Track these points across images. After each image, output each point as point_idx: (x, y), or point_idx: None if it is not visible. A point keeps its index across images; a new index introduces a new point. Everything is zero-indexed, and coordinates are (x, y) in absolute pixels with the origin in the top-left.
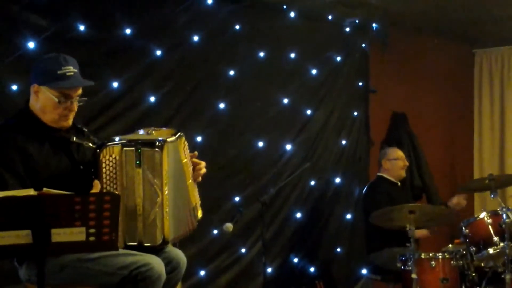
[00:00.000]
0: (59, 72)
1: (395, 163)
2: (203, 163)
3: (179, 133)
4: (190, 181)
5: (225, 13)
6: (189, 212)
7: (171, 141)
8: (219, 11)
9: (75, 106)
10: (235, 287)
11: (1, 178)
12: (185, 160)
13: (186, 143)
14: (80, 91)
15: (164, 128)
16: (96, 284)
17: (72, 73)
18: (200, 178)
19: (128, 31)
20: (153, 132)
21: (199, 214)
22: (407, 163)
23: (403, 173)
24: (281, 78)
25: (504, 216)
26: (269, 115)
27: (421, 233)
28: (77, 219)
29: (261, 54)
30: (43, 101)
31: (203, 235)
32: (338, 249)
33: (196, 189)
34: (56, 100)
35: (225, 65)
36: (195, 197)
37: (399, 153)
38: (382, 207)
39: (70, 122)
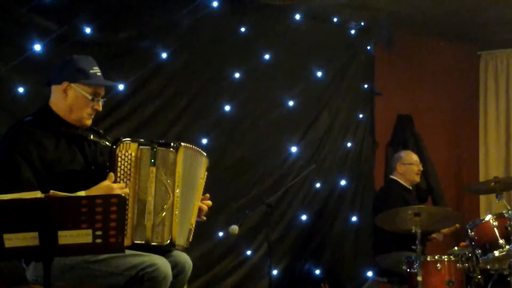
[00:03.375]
0: (91, 71)
1: (409, 168)
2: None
3: (205, 154)
4: (197, 203)
5: (230, 15)
6: (188, 231)
7: (186, 146)
8: (224, 14)
9: (101, 106)
10: None
11: (17, 169)
12: (202, 180)
13: (206, 172)
14: (103, 92)
15: None
16: (102, 285)
17: (100, 73)
18: (204, 217)
19: (133, 33)
20: None
21: (188, 241)
22: (421, 168)
23: (417, 178)
24: (287, 80)
25: (510, 218)
26: (274, 117)
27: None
28: (83, 222)
29: (267, 56)
30: (73, 98)
31: (209, 237)
32: (344, 251)
33: (196, 216)
34: (90, 97)
35: (230, 67)
36: (194, 221)
37: (414, 158)
38: None
39: (90, 121)
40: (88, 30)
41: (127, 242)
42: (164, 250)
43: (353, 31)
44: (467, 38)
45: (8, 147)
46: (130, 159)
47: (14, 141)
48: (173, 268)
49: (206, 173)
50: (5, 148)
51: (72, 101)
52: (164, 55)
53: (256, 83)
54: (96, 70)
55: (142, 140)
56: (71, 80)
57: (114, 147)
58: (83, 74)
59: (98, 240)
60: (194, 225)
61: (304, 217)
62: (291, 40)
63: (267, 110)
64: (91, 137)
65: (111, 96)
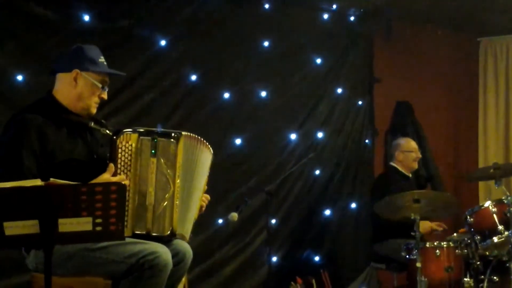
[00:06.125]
0: (99, 60)
1: (408, 155)
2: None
3: (212, 151)
4: (200, 200)
5: (228, 3)
6: (191, 226)
7: (188, 136)
8: (223, 1)
9: (106, 95)
10: (240, 276)
11: (19, 157)
12: (206, 177)
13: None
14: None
15: None
16: (103, 273)
17: (105, 63)
18: (203, 209)
19: (132, 22)
20: None
21: (190, 236)
22: (419, 155)
23: (415, 165)
24: (286, 67)
25: (509, 204)
26: (273, 105)
27: (425, 226)
28: (83, 209)
29: (266, 43)
30: (83, 86)
31: (209, 225)
32: (343, 239)
33: (197, 212)
34: (100, 85)
35: (229, 55)
36: (196, 217)
37: (413, 145)
38: None
39: (95, 110)
40: (86, 18)
41: (127, 232)
42: (165, 241)
43: (352, 18)
44: (466, 24)
45: (11, 136)
46: (131, 150)
47: (17, 131)
48: (173, 256)
49: (209, 171)
50: (8, 137)
51: (81, 89)
52: (163, 43)
53: (255, 71)
54: (103, 60)
55: (142, 130)
56: (82, 68)
57: (115, 137)
58: (94, 62)
59: (98, 228)
60: (195, 218)
61: (303, 205)
62: (290, 27)
63: (266, 98)
64: (92, 124)
65: (110, 84)
